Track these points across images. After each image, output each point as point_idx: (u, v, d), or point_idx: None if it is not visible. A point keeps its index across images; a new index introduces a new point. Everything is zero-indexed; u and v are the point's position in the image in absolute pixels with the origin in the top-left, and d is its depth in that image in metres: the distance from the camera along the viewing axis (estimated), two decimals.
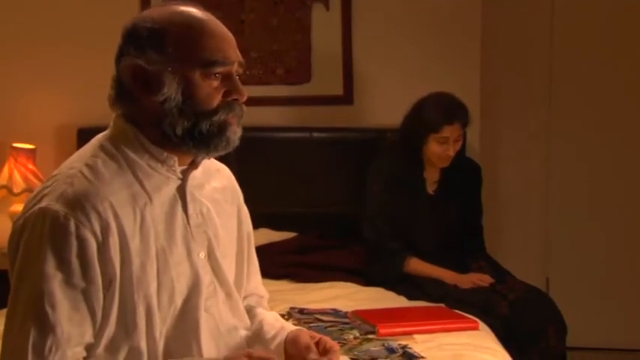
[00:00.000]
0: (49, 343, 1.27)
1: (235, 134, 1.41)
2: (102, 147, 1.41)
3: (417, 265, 2.90)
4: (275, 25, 3.53)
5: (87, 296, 1.31)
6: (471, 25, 3.48)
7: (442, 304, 2.61)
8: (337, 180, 3.41)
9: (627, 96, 3.74)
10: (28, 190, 3.35)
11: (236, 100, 1.41)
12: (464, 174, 3.04)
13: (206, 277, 1.44)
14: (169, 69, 1.37)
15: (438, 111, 2.87)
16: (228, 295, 1.49)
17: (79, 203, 1.31)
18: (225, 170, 1.60)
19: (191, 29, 1.38)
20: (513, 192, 3.79)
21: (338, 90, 3.52)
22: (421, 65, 3.46)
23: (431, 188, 3.01)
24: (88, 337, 1.32)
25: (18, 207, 3.42)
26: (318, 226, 3.32)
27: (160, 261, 1.37)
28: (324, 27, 3.51)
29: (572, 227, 3.79)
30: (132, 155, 1.40)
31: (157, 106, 1.37)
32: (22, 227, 1.34)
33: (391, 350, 2.09)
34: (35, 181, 3.37)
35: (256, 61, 3.47)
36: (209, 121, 1.38)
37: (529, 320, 2.72)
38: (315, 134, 3.45)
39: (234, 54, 1.41)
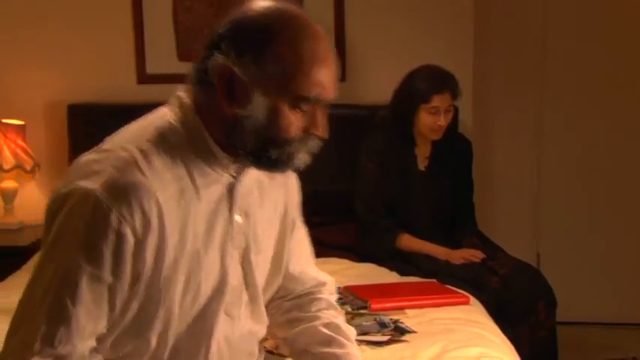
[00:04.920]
0: (59, 334, 1.21)
1: (301, 161, 1.33)
2: (161, 132, 1.31)
3: (408, 241, 2.91)
4: None
5: (111, 292, 1.24)
6: (464, 0, 3.46)
7: (434, 280, 2.63)
8: (329, 157, 3.35)
9: (619, 71, 3.73)
10: (18, 166, 3.32)
11: (314, 134, 1.32)
12: (454, 150, 3.04)
13: (234, 279, 1.38)
14: (262, 90, 1.25)
15: (427, 81, 2.87)
16: (252, 298, 1.44)
17: (125, 197, 1.22)
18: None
19: (299, 54, 1.25)
20: (505, 168, 3.79)
21: None
22: (414, 42, 3.44)
23: (422, 164, 3.01)
24: (102, 328, 1.27)
25: (8, 183, 3.40)
26: (309, 202, 3.30)
27: (193, 261, 1.31)
28: (317, 3, 3.48)
29: (564, 203, 3.81)
30: (190, 149, 1.31)
31: (235, 117, 1.27)
32: (64, 200, 1.25)
33: (383, 325, 2.10)
34: (25, 157, 3.34)
35: None
36: (280, 150, 1.29)
37: (519, 295, 2.74)
38: None
39: (331, 92, 1.30)
